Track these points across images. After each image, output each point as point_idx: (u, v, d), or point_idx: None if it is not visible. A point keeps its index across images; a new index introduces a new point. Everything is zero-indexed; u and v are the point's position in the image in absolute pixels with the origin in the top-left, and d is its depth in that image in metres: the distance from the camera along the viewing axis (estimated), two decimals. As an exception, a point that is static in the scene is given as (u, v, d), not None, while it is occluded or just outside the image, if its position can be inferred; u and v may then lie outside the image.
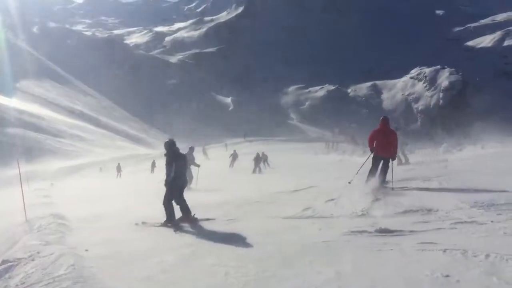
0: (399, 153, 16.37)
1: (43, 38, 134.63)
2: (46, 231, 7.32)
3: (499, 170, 10.76)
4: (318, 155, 39.50)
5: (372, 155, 10.28)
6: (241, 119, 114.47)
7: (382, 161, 10.04)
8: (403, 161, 17.47)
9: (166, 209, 8.01)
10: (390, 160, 10.06)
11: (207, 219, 8.18)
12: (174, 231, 7.40)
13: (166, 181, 8.06)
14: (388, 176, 9.87)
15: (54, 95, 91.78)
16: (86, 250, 5.91)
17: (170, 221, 7.95)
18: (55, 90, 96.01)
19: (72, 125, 69.54)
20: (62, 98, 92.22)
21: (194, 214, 8.13)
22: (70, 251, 5.77)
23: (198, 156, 21.85)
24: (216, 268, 4.85)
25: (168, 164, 8.11)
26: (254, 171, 23.78)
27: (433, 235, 5.55)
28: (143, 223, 8.17)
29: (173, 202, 8.10)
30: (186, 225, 7.85)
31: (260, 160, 25.03)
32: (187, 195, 8.43)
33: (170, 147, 8.26)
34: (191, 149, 16.65)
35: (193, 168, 15.33)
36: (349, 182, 10.32)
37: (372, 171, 10.08)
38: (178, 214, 8.10)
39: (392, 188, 9.39)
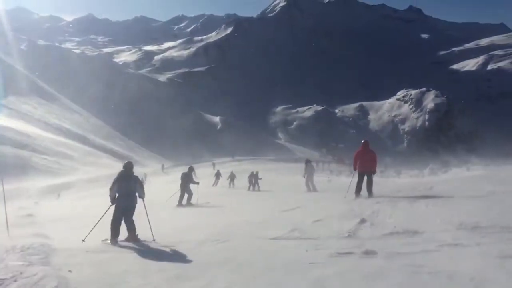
0: (308, 182, 19.61)
1: (32, 55, 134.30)
2: (29, 251, 7.18)
3: (484, 192, 10.88)
4: (305, 176, 39.47)
5: (357, 172, 12.49)
6: (229, 138, 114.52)
7: (365, 176, 12.31)
8: (311, 189, 19.49)
9: (111, 227, 8.43)
10: (372, 175, 12.35)
11: (153, 240, 8.48)
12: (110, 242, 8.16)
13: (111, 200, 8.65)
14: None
15: (41, 112, 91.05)
16: (70, 271, 5.81)
17: (112, 238, 8.34)
18: (42, 107, 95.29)
19: (59, 143, 68.85)
20: (49, 116, 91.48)
21: (137, 234, 8.53)
22: (53, 272, 5.67)
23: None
24: (202, 290, 4.81)
25: (112, 184, 8.63)
26: (249, 189, 24.33)
27: (419, 257, 5.57)
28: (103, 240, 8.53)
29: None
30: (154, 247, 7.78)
31: (254, 178, 25.45)
32: (187, 210, 8.46)
33: (123, 168, 8.80)
34: (190, 169, 18.08)
35: (192, 186, 17.20)
36: (345, 197, 12.24)
37: (358, 186, 12.33)
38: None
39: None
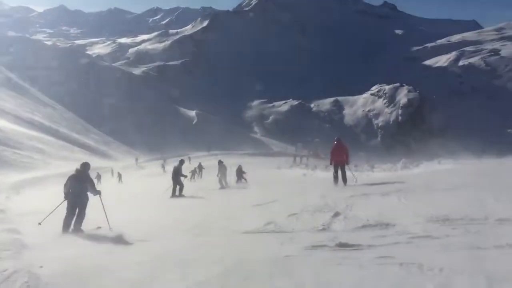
0: (221, 180, 21.92)
1: (2, 47, 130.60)
2: (0, 247, 7.06)
3: (454, 185, 11.15)
4: (281, 169, 39.68)
5: (333, 165, 14.92)
6: (205, 132, 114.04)
7: (340, 168, 14.60)
8: (225, 185, 21.98)
9: (63, 220, 9.39)
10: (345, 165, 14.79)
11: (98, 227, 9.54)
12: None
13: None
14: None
15: (13, 106, 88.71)
16: (41, 267, 5.73)
17: (63, 230, 9.24)
18: (14, 100, 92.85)
19: (31, 137, 67.30)
20: (21, 109, 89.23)
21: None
22: (24, 267, 5.58)
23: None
24: (177, 284, 4.80)
25: (66, 181, 9.74)
26: (237, 182, 24.82)
27: (391, 249, 5.69)
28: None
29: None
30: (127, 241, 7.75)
31: (239, 171, 25.99)
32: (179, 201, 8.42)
33: (78, 170, 9.78)
34: (181, 162, 19.64)
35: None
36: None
37: (335, 176, 14.71)
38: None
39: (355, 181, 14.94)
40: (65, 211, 9.40)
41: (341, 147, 14.91)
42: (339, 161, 14.61)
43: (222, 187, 21.53)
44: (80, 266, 5.90)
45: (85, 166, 9.92)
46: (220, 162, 23.64)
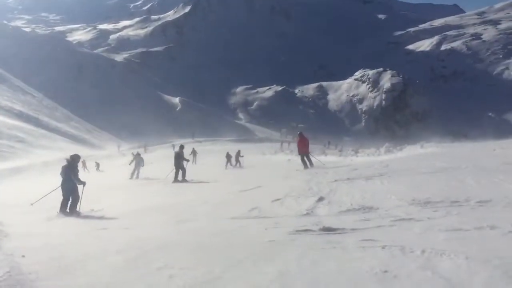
0: (135, 171, 22.52)
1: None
2: (-20, 238, 6.96)
3: (436, 169, 11.30)
4: (266, 155, 39.80)
5: (300, 155, 18.12)
6: (189, 119, 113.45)
7: (305, 156, 17.73)
8: (238, 165, 26.16)
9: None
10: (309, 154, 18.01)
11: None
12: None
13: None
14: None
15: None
16: (23, 256, 5.65)
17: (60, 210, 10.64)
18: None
19: (11, 125, 66.14)
20: (0, 97, 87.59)
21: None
22: (5, 257, 5.51)
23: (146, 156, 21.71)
24: (161, 271, 4.79)
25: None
26: (236, 166, 27.03)
27: (374, 232, 5.76)
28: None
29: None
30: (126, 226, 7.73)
31: (230, 157, 28.23)
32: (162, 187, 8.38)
33: (68, 161, 11.25)
34: (181, 147, 20.03)
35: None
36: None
37: (303, 162, 17.65)
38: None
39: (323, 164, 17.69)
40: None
41: (305, 140, 18.12)
42: (305, 151, 17.82)
43: (132, 178, 21.91)
44: (63, 254, 5.84)
45: (73, 157, 11.35)
46: (137, 154, 23.92)
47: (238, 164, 27.70)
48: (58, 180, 11.23)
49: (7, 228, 8.07)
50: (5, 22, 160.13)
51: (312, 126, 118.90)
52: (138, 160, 22.81)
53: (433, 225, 5.90)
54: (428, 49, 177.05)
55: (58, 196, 10.99)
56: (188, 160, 19.47)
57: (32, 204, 11.20)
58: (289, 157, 31.94)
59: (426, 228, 5.77)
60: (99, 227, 8.05)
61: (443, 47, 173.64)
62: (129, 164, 23.77)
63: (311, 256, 4.92)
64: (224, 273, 4.60)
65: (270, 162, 28.46)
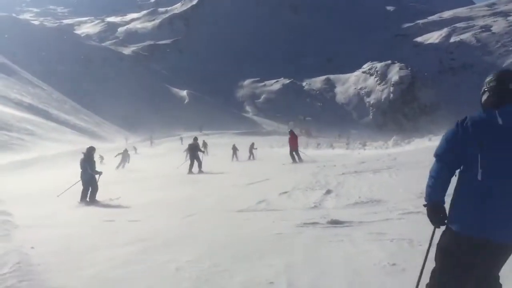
0: (250, 151, 27.35)
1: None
2: (-10, 229, 7.01)
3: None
4: (273, 148, 39.76)
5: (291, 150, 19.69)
6: (196, 112, 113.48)
7: (294, 151, 19.43)
8: (251, 157, 26.76)
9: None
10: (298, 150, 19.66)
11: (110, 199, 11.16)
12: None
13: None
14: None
15: (1, 87, 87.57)
16: (32, 248, 5.70)
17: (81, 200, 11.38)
18: (1, 81, 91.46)
19: (20, 118, 66.59)
20: (9, 90, 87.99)
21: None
22: (15, 248, 5.55)
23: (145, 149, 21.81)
24: (168, 264, 4.80)
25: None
26: (249, 158, 27.18)
27: (382, 225, 5.74)
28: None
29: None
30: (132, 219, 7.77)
31: (237, 149, 28.53)
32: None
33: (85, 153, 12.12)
34: (195, 139, 20.31)
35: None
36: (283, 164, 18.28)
37: (292, 156, 19.31)
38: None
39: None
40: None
41: (295, 137, 20.09)
42: (296, 147, 19.69)
43: (118, 168, 23.85)
44: (71, 246, 5.88)
45: (89, 150, 12.17)
46: (125, 151, 26.02)
47: (251, 157, 27.79)
48: (68, 172, 11.52)
49: (17, 219, 8.13)
50: (13, 15, 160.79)
51: (319, 119, 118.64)
52: (125, 156, 25.27)
53: (442, 218, 5.85)
54: (437, 41, 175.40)
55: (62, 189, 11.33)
56: (203, 151, 19.74)
57: (58, 196, 11.60)
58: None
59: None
60: (106, 219, 8.08)
61: (452, 39, 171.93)
62: (115, 156, 25.81)
63: (318, 249, 4.91)
64: (230, 265, 4.61)
65: (278, 155, 28.42)
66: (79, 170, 11.84)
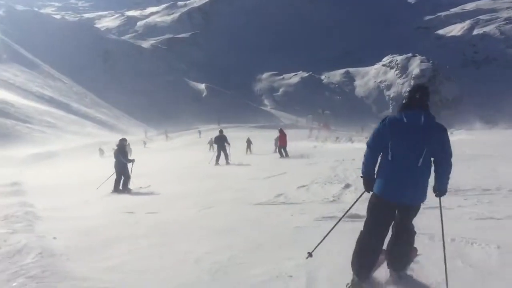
0: (275, 145, 26.63)
1: (10, 21, 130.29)
2: (13, 219, 7.15)
3: (466, 157, 11.04)
4: (292, 141, 39.62)
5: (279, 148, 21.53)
6: (214, 106, 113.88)
7: (283, 148, 21.09)
8: (276, 150, 25.30)
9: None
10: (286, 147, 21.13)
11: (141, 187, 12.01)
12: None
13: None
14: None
15: (23, 80, 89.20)
16: (54, 238, 5.80)
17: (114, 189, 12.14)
18: (24, 75, 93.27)
19: (42, 111, 67.84)
20: (31, 83, 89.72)
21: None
22: (37, 239, 5.65)
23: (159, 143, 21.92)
24: (187, 255, 4.83)
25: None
26: (275, 151, 26.42)
27: (402, 220, 5.65)
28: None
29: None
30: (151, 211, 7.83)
31: (250, 143, 28.71)
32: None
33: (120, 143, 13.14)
34: (221, 131, 20.76)
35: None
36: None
37: (280, 152, 21.11)
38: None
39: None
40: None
41: (284, 135, 21.82)
42: (285, 145, 21.25)
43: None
44: (92, 237, 5.97)
45: (121, 142, 13.20)
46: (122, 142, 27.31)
47: (277, 150, 27.86)
48: (88, 164, 11.59)
49: (39, 210, 8.28)
50: (35, 9, 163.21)
51: (338, 112, 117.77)
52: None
53: (464, 213, 5.77)
54: (459, 34, 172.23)
55: (83, 181, 11.20)
56: (229, 144, 19.89)
57: (97, 188, 12.22)
58: (315, 144, 31.76)
59: (456, 217, 5.65)
60: (126, 211, 8.17)
61: (475, 32, 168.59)
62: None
63: (337, 243, 4.87)
64: (249, 258, 4.61)
65: (296, 148, 28.33)
66: (112, 161, 12.91)
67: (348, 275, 3.90)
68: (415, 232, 3.92)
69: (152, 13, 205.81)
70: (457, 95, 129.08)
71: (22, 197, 10.35)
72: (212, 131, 54.69)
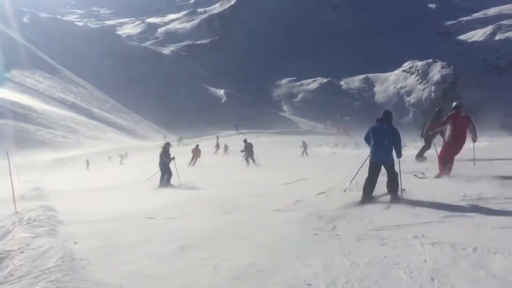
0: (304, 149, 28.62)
1: (34, 28, 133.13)
2: (36, 224, 7.28)
3: (488, 164, 10.84)
4: (310, 147, 39.48)
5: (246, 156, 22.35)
6: (233, 111, 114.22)
7: (250, 157, 22.13)
8: (305, 154, 27.92)
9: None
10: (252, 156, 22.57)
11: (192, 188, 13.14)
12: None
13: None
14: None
15: (45, 86, 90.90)
16: (75, 243, 5.88)
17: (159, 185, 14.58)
18: (46, 80, 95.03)
19: (64, 117, 69.01)
20: (53, 89, 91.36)
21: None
22: (59, 243, 5.73)
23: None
24: (206, 261, 4.85)
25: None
26: (302, 155, 28.26)
27: (423, 228, 5.59)
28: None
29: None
30: (175, 216, 7.87)
31: (304, 145, 29.46)
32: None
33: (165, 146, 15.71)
34: (245, 140, 23.84)
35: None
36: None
37: (247, 162, 21.93)
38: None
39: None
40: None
41: (251, 146, 22.73)
42: (252, 154, 22.30)
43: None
44: (112, 242, 6.03)
45: (166, 145, 15.74)
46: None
47: (305, 154, 28.60)
48: (109, 170, 11.73)
49: (61, 215, 8.40)
50: (58, 16, 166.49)
51: (357, 118, 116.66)
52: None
53: (486, 222, 5.67)
54: (481, 39, 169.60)
55: (105, 186, 11.31)
56: (245, 151, 22.63)
57: (145, 182, 15.19)
58: (334, 150, 31.58)
59: (478, 225, 5.55)
60: (146, 216, 8.23)
61: (497, 37, 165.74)
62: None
63: (358, 251, 4.84)
64: (268, 265, 4.60)
65: (314, 154, 28.23)
66: (157, 161, 15.28)
67: (368, 284, 3.86)
68: (396, 174, 7.63)
69: (172, 20, 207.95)
70: (479, 101, 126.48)
71: (44, 201, 10.51)
72: (229, 137, 54.80)
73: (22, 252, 5.46)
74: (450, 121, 9.78)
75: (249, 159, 22.37)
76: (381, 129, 7.61)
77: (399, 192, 7.54)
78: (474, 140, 10.18)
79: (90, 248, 5.63)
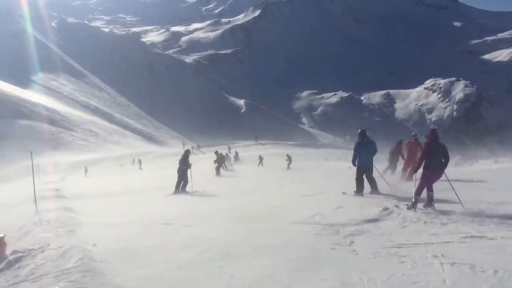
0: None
1: (61, 32, 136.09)
2: (56, 224, 7.40)
3: (511, 185, 10.65)
4: (328, 161, 39.32)
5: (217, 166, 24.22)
6: (252, 122, 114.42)
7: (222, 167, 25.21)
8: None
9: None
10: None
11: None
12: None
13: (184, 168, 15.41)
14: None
15: (69, 90, 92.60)
16: (95, 245, 5.95)
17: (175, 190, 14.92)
18: (71, 84, 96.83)
19: (86, 120, 70.09)
20: (77, 93, 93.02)
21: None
22: (79, 244, 5.82)
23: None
24: (222, 270, 4.86)
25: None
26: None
27: (442, 248, 5.51)
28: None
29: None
30: (193, 223, 7.91)
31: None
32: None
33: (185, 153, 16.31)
34: (217, 152, 26.09)
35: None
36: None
37: (218, 172, 23.58)
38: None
39: None
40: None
41: (222, 158, 25.77)
42: (224, 164, 26.02)
43: None
44: (130, 245, 6.09)
45: (186, 152, 16.33)
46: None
47: (289, 167, 28.80)
48: (128, 174, 11.75)
49: (80, 216, 8.53)
50: (85, 22, 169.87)
51: (377, 134, 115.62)
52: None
53: (507, 244, 5.56)
54: (506, 59, 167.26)
55: (123, 190, 11.40)
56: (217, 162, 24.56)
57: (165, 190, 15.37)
58: (350, 165, 31.29)
59: (499, 248, 5.45)
60: (163, 222, 8.28)
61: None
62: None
63: (375, 268, 4.79)
64: (284, 277, 4.59)
65: (332, 168, 28.06)
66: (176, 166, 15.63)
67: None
68: (373, 178, 10.56)
69: (196, 29, 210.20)
70: (502, 122, 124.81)
71: (65, 202, 10.68)
72: (248, 147, 54.78)
73: (42, 252, 5.55)
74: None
75: (220, 168, 24.46)
76: (363, 143, 10.67)
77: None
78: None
79: (108, 251, 5.70)
